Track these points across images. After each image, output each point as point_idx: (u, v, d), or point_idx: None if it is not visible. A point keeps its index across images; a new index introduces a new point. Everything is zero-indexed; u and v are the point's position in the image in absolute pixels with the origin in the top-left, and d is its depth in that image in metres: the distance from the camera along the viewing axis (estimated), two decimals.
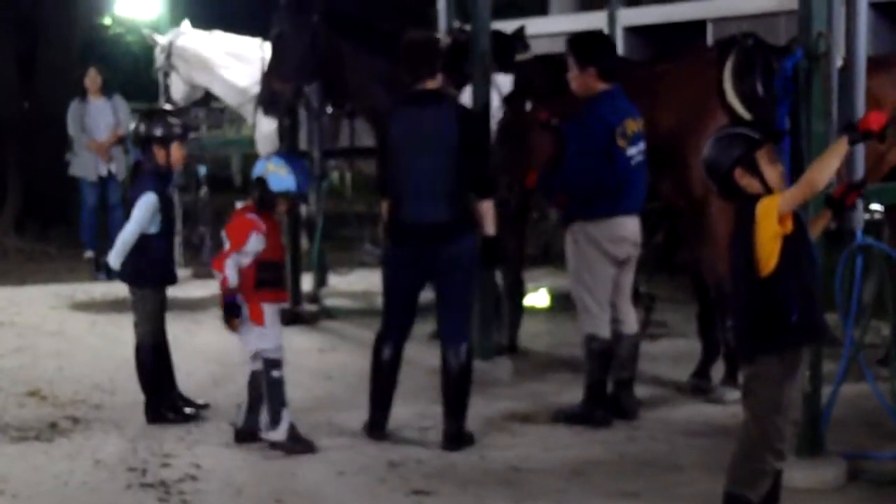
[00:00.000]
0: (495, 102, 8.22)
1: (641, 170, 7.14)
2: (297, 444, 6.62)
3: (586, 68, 7.12)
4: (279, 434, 6.57)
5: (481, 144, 7.00)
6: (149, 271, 7.25)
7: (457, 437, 6.75)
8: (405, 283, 6.88)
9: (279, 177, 6.65)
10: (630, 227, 7.15)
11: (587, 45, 7.29)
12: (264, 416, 6.63)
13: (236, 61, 11.12)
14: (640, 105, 7.33)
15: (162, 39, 11.76)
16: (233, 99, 11.47)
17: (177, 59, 11.48)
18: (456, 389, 6.77)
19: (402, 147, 6.77)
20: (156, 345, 7.35)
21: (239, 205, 6.94)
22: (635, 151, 7.09)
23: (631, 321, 7.36)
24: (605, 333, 7.20)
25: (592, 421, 7.14)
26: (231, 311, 6.61)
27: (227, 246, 6.59)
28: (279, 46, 9.05)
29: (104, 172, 13.55)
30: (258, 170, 6.73)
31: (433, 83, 6.81)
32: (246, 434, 6.75)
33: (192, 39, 11.52)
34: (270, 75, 9.14)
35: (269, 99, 9.20)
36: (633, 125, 7.08)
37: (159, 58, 11.71)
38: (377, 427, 6.92)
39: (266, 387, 6.61)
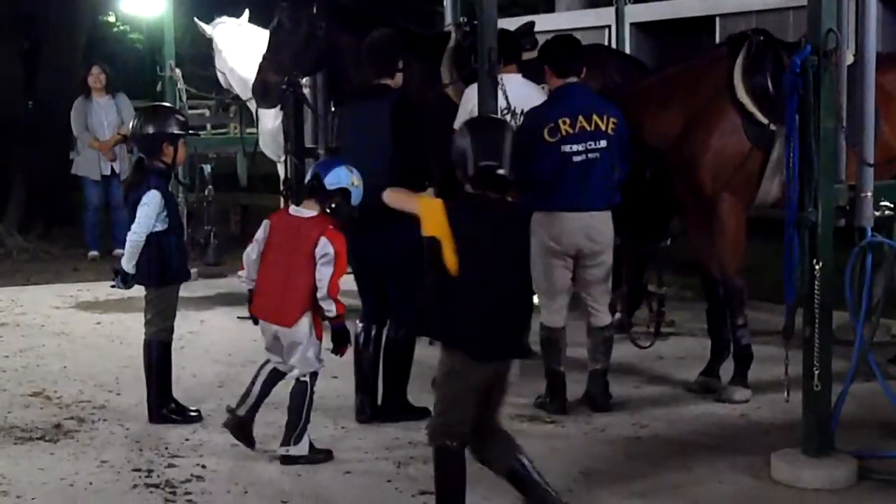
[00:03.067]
0: (501, 103, 8.15)
1: (593, 167, 7.18)
2: (318, 455, 6.51)
3: (544, 66, 7.47)
4: (302, 449, 6.46)
5: (412, 138, 7.09)
6: (163, 269, 7.20)
7: (392, 410, 7.14)
8: (362, 269, 7.27)
9: (359, 191, 6.52)
10: (576, 223, 7.21)
11: (545, 45, 7.68)
12: (284, 430, 6.46)
13: (249, 54, 11.08)
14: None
15: (209, 29, 11.79)
16: (240, 90, 11.46)
17: (215, 48, 11.57)
18: (389, 364, 7.18)
19: (346, 139, 7.30)
20: (165, 343, 7.31)
21: (308, 212, 6.47)
22: (580, 148, 7.16)
23: (601, 314, 7.44)
24: (551, 322, 7.40)
25: (547, 408, 7.37)
26: (347, 339, 6.52)
27: (332, 269, 6.33)
28: (277, 37, 9.01)
29: (108, 171, 13.57)
30: (341, 179, 6.47)
31: (389, 80, 7.19)
32: (238, 425, 6.57)
33: (223, 30, 11.56)
34: (266, 65, 9.09)
35: (263, 89, 9.15)
36: (581, 122, 7.17)
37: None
38: (360, 412, 7.19)
39: (306, 402, 6.44)
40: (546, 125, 7.17)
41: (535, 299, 7.40)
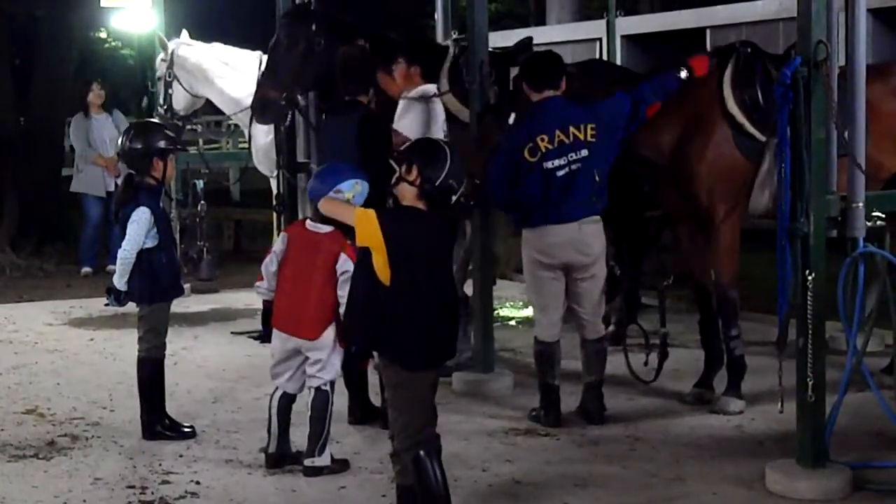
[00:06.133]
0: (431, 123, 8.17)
1: (576, 179, 7.14)
2: (337, 464, 6.55)
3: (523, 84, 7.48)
4: (325, 459, 6.48)
5: (380, 153, 7.10)
6: (154, 286, 7.18)
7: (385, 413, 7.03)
8: None
9: (360, 198, 6.42)
10: (564, 235, 7.19)
11: (523, 63, 7.73)
12: (308, 442, 6.49)
13: (234, 73, 11.09)
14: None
15: (172, 46, 11.65)
16: (229, 110, 11.43)
17: (178, 68, 11.41)
18: None
19: (323, 151, 7.51)
20: (158, 360, 7.30)
21: (325, 227, 6.40)
22: (562, 162, 7.13)
23: (593, 326, 7.41)
24: (545, 336, 7.39)
25: (541, 421, 7.33)
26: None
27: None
28: (275, 54, 9.00)
29: (112, 187, 13.59)
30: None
31: (362, 97, 7.49)
32: (278, 459, 6.62)
33: (193, 49, 11.46)
34: (265, 82, 9.08)
35: (262, 106, 9.13)
36: (559, 136, 7.13)
37: (160, 66, 11.61)
38: (350, 412, 7.42)
39: (328, 411, 6.49)
40: (525, 145, 7.17)
41: (530, 311, 7.42)
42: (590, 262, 7.26)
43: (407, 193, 5.37)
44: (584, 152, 7.16)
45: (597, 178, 7.21)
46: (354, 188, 6.31)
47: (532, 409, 7.49)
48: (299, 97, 9.08)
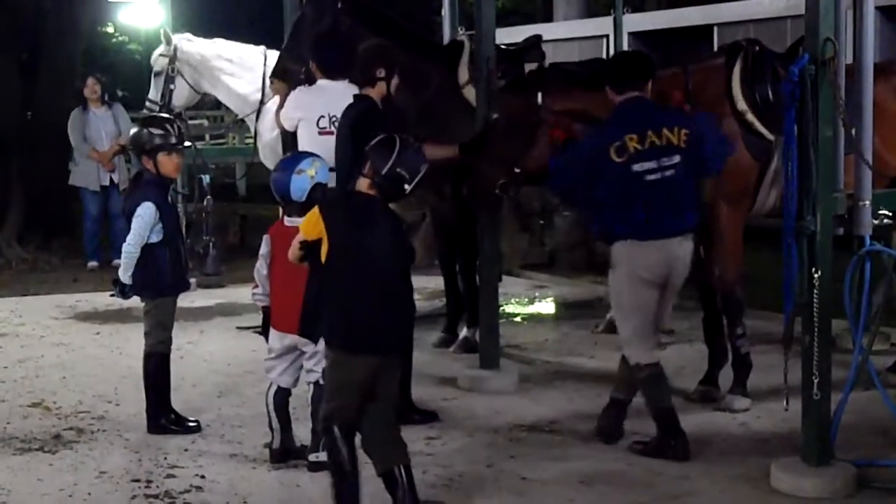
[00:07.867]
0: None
1: (670, 186, 6.59)
2: None
3: (605, 86, 6.90)
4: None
5: (357, 141, 7.04)
6: (158, 281, 7.19)
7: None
8: None
9: (324, 170, 6.58)
10: (667, 251, 6.63)
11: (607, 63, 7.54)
12: (311, 438, 6.48)
13: (240, 69, 11.08)
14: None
15: (175, 39, 11.57)
16: (236, 107, 11.42)
17: (183, 64, 11.35)
18: None
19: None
20: (164, 354, 7.31)
21: (301, 220, 6.17)
22: (653, 165, 6.59)
23: (633, 348, 6.88)
24: (647, 359, 6.72)
25: (668, 453, 6.63)
26: None
27: None
28: (300, 27, 8.95)
29: (106, 181, 13.60)
30: (304, 185, 6.45)
31: (370, 90, 7.31)
32: (283, 454, 6.62)
33: (198, 45, 11.41)
34: (286, 54, 9.01)
35: (282, 76, 9.04)
36: (651, 138, 6.59)
37: (159, 61, 11.49)
38: None
39: None
40: (612, 144, 6.55)
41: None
42: (680, 281, 6.80)
43: (363, 183, 5.69)
44: (677, 158, 6.59)
45: (695, 189, 6.73)
46: (314, 164, 6.47)
47: (635, 442, 6.84)
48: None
